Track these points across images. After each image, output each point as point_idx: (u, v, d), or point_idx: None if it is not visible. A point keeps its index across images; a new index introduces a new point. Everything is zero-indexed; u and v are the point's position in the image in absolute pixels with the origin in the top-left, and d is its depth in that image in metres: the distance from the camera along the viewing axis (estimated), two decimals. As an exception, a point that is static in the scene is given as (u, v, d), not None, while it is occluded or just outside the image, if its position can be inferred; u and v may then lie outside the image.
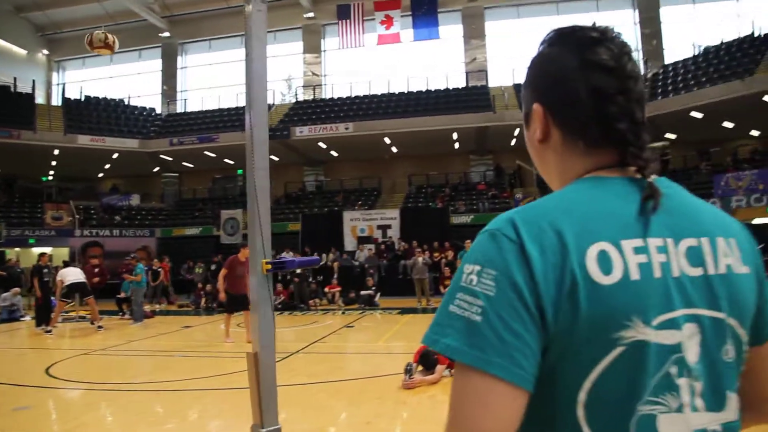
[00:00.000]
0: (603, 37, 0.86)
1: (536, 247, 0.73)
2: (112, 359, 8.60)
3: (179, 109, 30.49)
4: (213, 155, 25.78)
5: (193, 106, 30.13)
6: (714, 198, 19.58)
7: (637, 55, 27.91)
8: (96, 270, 14.17)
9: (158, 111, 29.70)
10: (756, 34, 22.44)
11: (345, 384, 6.24)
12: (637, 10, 27.51)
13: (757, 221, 20.41)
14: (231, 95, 27.79)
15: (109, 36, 13.98)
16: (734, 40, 23.01)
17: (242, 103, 26.94)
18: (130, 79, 31.85)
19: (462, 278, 0.76)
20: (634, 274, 0.74)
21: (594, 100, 0.83)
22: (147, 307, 15.26)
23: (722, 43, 23.29)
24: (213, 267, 19.97)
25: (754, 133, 24.40)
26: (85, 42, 13.88)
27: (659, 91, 22.94)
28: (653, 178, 0.82)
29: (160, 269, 17.46)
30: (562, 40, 0.89)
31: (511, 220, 0.77)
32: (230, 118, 26.44)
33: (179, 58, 31.68)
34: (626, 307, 0.73)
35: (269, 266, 3.13)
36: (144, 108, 28.95)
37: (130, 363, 8.33)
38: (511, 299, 0.72)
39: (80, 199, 26.53)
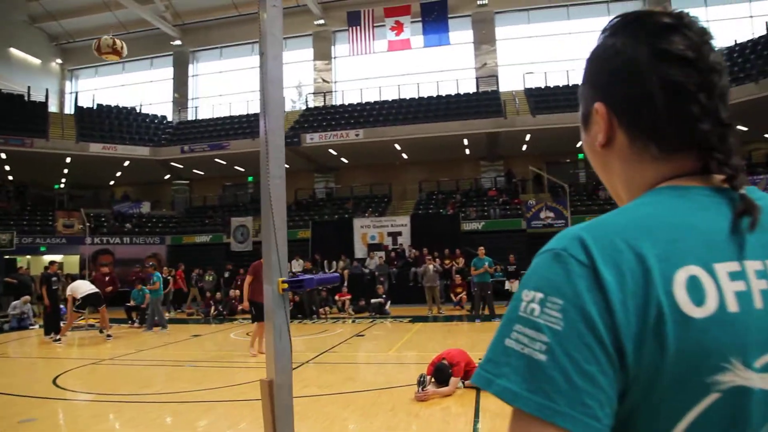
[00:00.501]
0: (678, 22, 0.73)
1: (612, 272, 0.61)
2: (121, 369, 8.52)
3: (190, 116, 30.64)
4: (223, 162, 25.81)
5: (204, 114, 30.24)
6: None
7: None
8: (107, 278, 14.14)
9: (169, 119, 29.81)
10: (769, 36, 22.15)
11: (357, 395, 6.10)
12: (649, 14, 27.24)
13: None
14: (242, 103, 27.86)
15: (117, 41, 13.92)
16: (747, 42, 22.74)
17: (253, 110, 27.19)
18: (141, 87, 32.05)
19: (520, 307, 0.64)
20: (732, 305, 0.61)
21: (670, 98, 0.70)
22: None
23: (735, 45, 23.02)
24: (227, 275, 19.96)
25: (769, 136, 24.08)
26: (93, 48, 13.85)
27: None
28: (744, 189, 0.68)
29: (170, 277, 17.43)
30: (628, 28, 0.76)
31: (578, 238, 0.65)
32: (241, 126, 26.48)
33: (190, 66, 31.82)
34: (723, 346, 0.60)
35: (285, 285, 2.87)
36: (155, 116, 29.07)
37: (139, 373, 8.24)
38: (582, 334, 0.60)
39: (91, 207, 26.63)
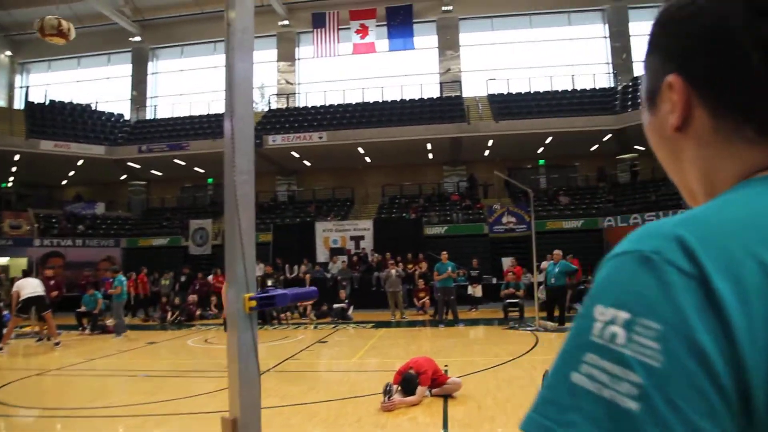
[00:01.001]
0: None
1: (731, 287, 0.44)
2: (69, 380, 8.07)
3: (149, 115, 29.79)
4: (183, 163, 25.16)
5: (164, 113, 29.43)
6: (682, 209, 19.75)
7: (608, 69, 28.86)
8: (51, 283, 13.26)
9: (127, 117, 28.93)
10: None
11: (321, 406, 5.88)
12: (607, 25, 27.90)
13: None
14: (203, 103, 27.28)
15: (63, 22, 12.89)
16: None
17: (214, 110, 26.66)
18: (97, 84, 30.97)
19: (593, 330, 0.46)
20: None
21: None
22: (109, 321, 14.64)
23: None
24: (183, 279, 19.41)
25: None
26: (36, 28, 12.90)
27: (629, 103, 23.21)
28: None
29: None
30: None
31: (677, 237, 0.47)
32: (201, 126, 25.90)
33: (150, 64, 30.95)
34: None
35: (254, 303, 2.42)
36: (112, 114, 28.15)
37: (89, 384, 7.82)
38: (691, 374, 0.42)
39: (41, 207, 25.60)
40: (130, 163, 25.78)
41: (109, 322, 14.54)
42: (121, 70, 30.93)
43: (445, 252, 13.81)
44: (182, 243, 23.28)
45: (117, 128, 27.09)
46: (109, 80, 31.21)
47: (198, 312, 16.33)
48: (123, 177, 27.96)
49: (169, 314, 15.97)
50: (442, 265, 13.31)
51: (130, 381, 7.82)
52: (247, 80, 2.72)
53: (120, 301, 13.06)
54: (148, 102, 30.51)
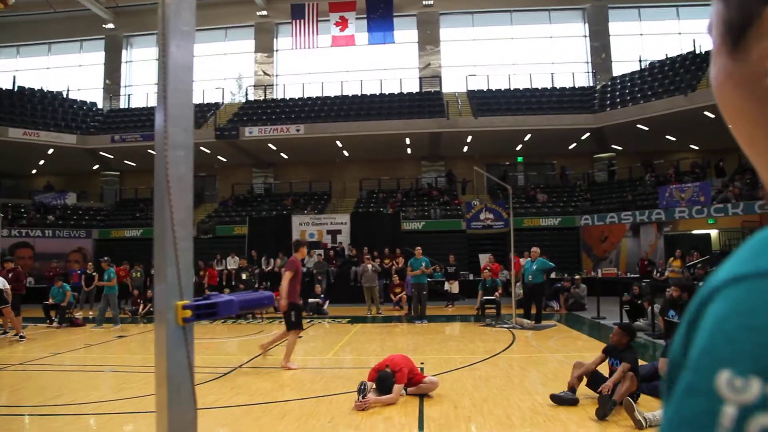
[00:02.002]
0: None
1: None
2: (32, 375, 7.78)
3: (123, 104, 29.13)
4: (157, 154, 24.61)
5: (138, 102, 28.78)
6: (659, 209, 20.02)
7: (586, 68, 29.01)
8: (10, 275, 12.57)
9: (100, 106, 28.27)
10: (697, 52, 23.21)
11: (293, 404, 5.72)
12: (587, 24, 28.04)
13: (696, 232, 21.05)
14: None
15: None
16: (677, 56, 23.73)
17: (195, 100, 26.15)
18: (69, 72, 30.15)
19: (720, 419, 0.29)
20: None
21: None
22: (79, 314, 14.27)
23: (667, 59, 23.98)
24: (153, 272, 19.02)
25: (694, 147, 25.27)
26: None
27: (608, 102, 23.36)
28: None
29: (95, 273, 16.36)
30: None
31: None
32: (176, 116, 25.39)
33: (124, 52, 30.25)
34: None
35: (189, 313, 1.91)
36: (84, 102, 27.46)
37: (53, 380, 7.53)
38: None
39: (9, 197, 24.89)
40: (102, 153, 25.19)
41: (78, 315, 14.18)
42: (94, 57, 30.19)
43: (419, 247, 13.70)
44: (156, 235, 22.80)
45: (89, 117, 26.44)
46: (82, 68, 30.42)
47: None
48: (95, 167, 27.33)
49: (141, 307, 15.61)
50: (416, 261, 13.21)
51: (97, 377, 7.56)
52: (185, 66, 2.21)
53: (114, 293, 13.17)
54: (123, 91, 29.82)
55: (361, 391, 5.49)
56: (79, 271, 17.95)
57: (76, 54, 30.60)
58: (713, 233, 20.96)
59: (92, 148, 24.58)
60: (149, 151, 24.05)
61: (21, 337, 10.79)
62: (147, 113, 26.41)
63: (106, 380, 7.31)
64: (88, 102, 27.63)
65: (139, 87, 29.67)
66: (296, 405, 5.70)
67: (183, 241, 1.99)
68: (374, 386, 5.67)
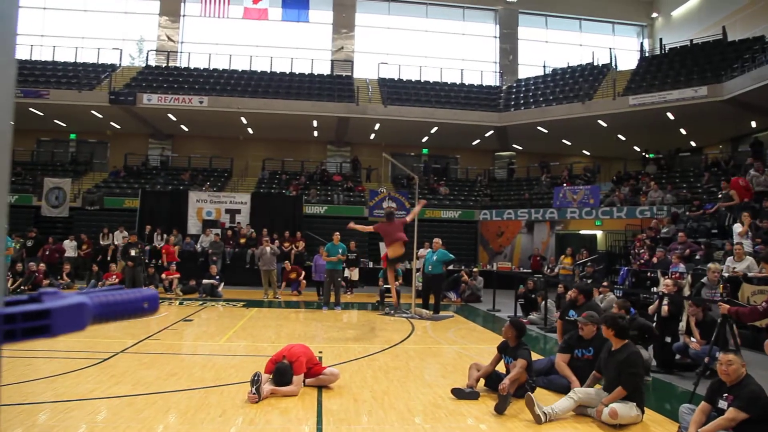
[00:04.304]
0: None
1: None
2: None
3: (0, 55, 26.29)
4: (41, 114, 22.47)
5: (22, 55, 26.07)
6: (552, 208, 20.97)
7: (494, 68, 29.79)
8: None
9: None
10: (595, 63, 24.58)
11: (181, 395, 5.28)
12: (498, 25, 28.80)
13: (584, 232, 22.35)
14: (70, 48, 24.65)
15: None
16: (578, 66, 25.01)
17: (84, 58, 24.10)
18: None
19: None
20: None
21: None
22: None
23: (568, 67, 25.19)
24: (30, 243, 17.41)
25: (586, 152, 26.88)
26: None
27: (512, 103, 24.15)
28: None
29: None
30: None
31: None
32: (66, 74, 23.32)
33: (6, -2, 27.26)
34: None
35: None
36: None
37: None
38: None
39: None
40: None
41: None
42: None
43: (337, 233, 13.35)
44: (34, 202, 20.85)
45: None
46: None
47: (46, 282, 14.60)
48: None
49: (10, 282, 14.17)
50: (333, 247, 12.86)
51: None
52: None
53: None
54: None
55: (255, 382, 5.15)
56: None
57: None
58: (599, 234, 22.35)
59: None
60: (31, 109, 21.95)
61: None
62: (30, 67, 23.98)
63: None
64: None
65: (24, 37, 26.84)
66: (184, 396, 5.26)
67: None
68: (270, 378, 5.36)
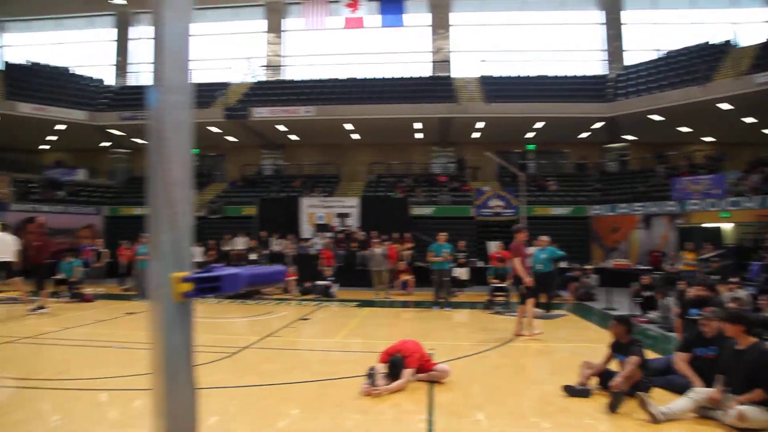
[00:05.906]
0: None
1: None
2: (41, 349, 7.77)
3: (132, 82, 29.02)
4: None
5: (148, 80, 28.60)
6: (672, 201, 19.79)
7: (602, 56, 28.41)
8: (33, 245, 12.48)
9: (109, 83, 28.16)
10: (712, 42, 22.79)
11: (300, 387, 5.67)
12: (603, 11, 27.56)
13: (707, 225, 20.82)
14: (197, 71, 26.78)
15: None
16: (693, 46, 23.30)
17: (203, 79, 25.97)
18: (79, 48, 30.02)
19: None
20: None
21: None
22: (89, 290, 14.30)
23: (683, 48, 23.57)
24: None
25: (707, 139, 24.88)
26: None
27: (621, 92, 23.05)
28: None
29: (104, 250, 16.39)
30: None
31: None
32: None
33: (131, 29, 30.05)
34: None
35: (190, 286, 1.68)
36: (92, 78, 27.36)
37: (61, 354, 7.52)
38: None
39: (20, 172, 24.92)
40: (112, 131, 25.15)
41: (88, 290, 14.20)
42: (104, 33, 30.04)
43: (443, 233, 13.46)
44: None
45: (99, 94, 26.36)
46: (92, 44, 30.29)
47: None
48: (105, 144, 27.30)
49: (148, 285, 15.63)
50: (439, 247, 12.97)
51: (104, 352, 7.54)
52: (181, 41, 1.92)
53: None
54: (133, 68, 29.69)
55: (370, 376, 5.43)
56: (90, 247, 18.00)
57: (86, 30, 30.46)
58: (726, 226, 20.72)
59: (101, 125, 24.53)
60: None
61: (40, 308, 10.76)
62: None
63: (114, 356, 7.29)
64: (96, 78, 27.54)
65: (149, 65, 29.49)
66: (304, 387, 5.65)
67: (182, 205, 1.72)
68: (384, 369, 5.61)
